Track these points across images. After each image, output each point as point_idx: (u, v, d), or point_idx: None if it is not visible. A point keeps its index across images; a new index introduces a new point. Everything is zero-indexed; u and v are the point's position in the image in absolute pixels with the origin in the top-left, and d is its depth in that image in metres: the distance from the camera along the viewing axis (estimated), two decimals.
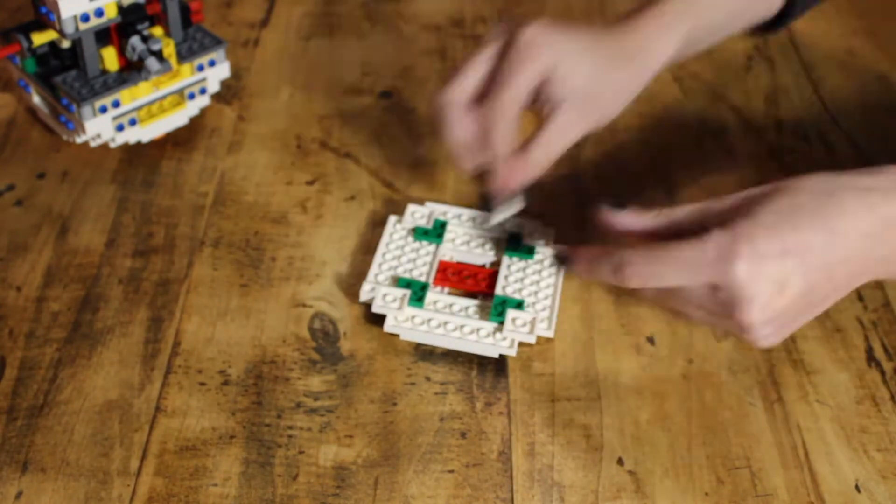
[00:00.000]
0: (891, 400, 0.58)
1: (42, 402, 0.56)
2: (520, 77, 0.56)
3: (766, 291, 0.47)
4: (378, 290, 0.60)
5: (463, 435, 0.55)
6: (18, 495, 0.51)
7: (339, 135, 0.75)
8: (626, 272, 0.50)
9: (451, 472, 0.53)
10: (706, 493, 0.53)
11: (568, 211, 0.69)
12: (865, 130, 0.77)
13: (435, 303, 0.61)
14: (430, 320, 0.59)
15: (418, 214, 0.66)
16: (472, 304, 0.61)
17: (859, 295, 0.64)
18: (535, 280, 0.62)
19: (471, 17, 0.89)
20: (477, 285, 0.62)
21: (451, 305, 0.61)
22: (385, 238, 0.65)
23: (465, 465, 0.54)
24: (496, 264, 0.64)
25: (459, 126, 0.58)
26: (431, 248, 0.64)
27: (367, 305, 0.61)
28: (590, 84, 0.58)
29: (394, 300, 0.60)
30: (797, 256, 0.47)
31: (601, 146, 0.74)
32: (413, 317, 0.59)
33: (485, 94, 0.58)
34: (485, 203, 0.62)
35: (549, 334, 0.59)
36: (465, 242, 0.65)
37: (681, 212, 0.52)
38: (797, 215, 0.48)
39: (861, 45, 0.86)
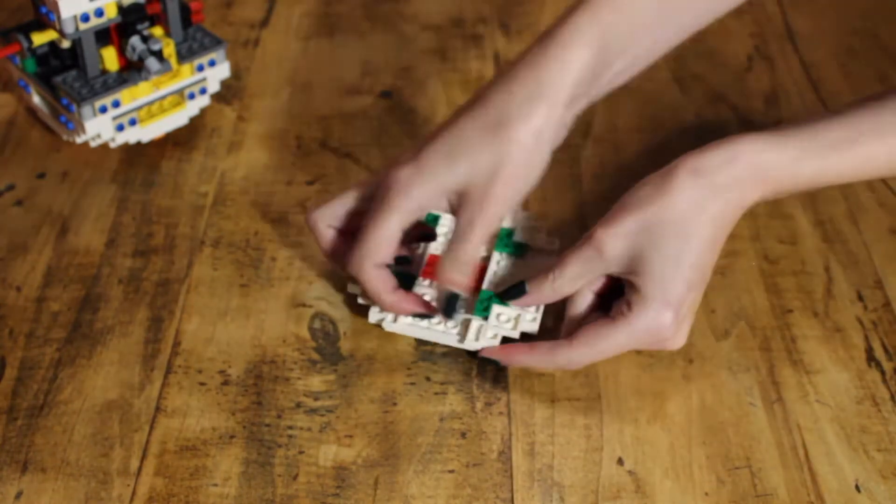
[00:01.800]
0: (891, 400, 0.58)
1: (42, 402, 0.56)
2: (389, 220, 0.55)
3: (683, 324, 0.54)
4: None
5: (463, 435, 0.55)
6: (18, 495, 0.51)
7: (339, 135, 0.75)
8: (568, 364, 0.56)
9: (451, 472, 0.53)
10: (706, 493, 0.53)
11: (568, 210, 0.69)
12: None
13: (422, 296, 0.61)
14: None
15: None
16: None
17: (859, 295, 0.64)
18: (523, 276, 0.62)
19: (471, 17, 0.89)
20: None
21: (437, 299, 0.60)
22: None
23: (465, 465, 0.54)
24: (487, 259, 0.64)
25: (330, 242, 0.59)
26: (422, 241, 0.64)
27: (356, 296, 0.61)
28: (471, 192, 0.55)
29: None
30: (696, 288, 0.54)
31: (601, 146, 0.74)
32: None
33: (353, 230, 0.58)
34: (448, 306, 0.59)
35: (534, 329, 0.59)
36: None
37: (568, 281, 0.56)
38: (684, 259, 0.53)
39: (861, 45, 0.86)
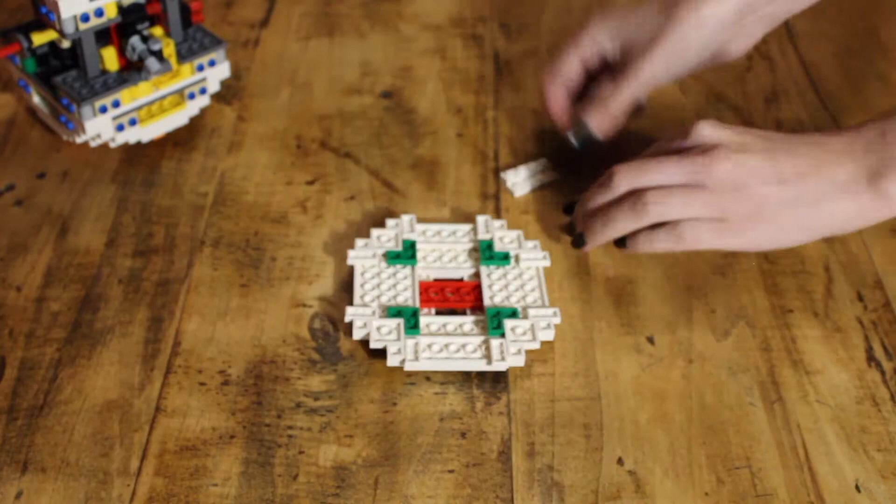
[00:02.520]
0: (891, 400, 0.58)
1: (42, 402, 0.56)
2: (571, 46, 0.69)
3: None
4: (371, 324, 0.58)
5: (463, 435, 0.55)
6: (18, 495, 0.52)
7: (339, 135, 0.75)
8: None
9: (451, 472, 0.53)
10: (706, 493, 0.53)
11: None
12: None
13: (428, 325, 0.59)
14: (431, 345, 0.58)
15: (385, 237, 0.64)
16: (466, 320, 0.60)
17: (859, 295, 0.64)
18: (518, 285, 0.62)
19: (471, 17, 0.89)
20: (462, 301, 0.61)
21: (444, 325, 0.59)
22: (358, 268, 0.62)
23: (465, 465, 0.54)
24: (474, 276, 0.63)
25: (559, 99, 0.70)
26: (407, 270, 0.63)
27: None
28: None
29: (389, 332, 0.58)
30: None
31: (600, 146, 0.74)
32: (415, 344, 0.58)
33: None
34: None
35: (550, 337, 0.59)
36: (438, 258, 0.64)
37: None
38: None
39: (861, 45, 0.86)
